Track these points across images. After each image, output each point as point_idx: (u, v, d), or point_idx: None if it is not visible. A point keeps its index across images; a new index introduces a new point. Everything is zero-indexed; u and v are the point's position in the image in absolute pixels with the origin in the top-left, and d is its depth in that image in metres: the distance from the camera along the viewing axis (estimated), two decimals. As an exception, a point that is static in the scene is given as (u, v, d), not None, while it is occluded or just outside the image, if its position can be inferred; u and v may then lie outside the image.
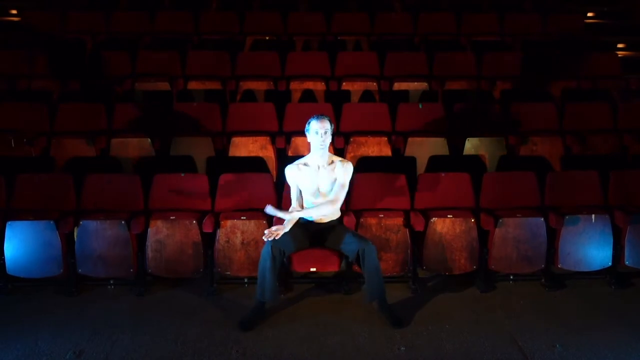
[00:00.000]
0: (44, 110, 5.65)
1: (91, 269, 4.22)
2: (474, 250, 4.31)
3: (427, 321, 3.85)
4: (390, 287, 4.19)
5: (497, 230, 4.27)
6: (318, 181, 3.94)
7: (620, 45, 7.76)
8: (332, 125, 3.98)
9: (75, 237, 4.22)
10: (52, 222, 4.15)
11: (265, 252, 3.77)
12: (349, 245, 3.84)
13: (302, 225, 3.97)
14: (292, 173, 3.99)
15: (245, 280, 4.36)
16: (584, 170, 4.73)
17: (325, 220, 4.02)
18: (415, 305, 4.06)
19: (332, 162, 3.97)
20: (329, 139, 3.93)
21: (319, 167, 3.94)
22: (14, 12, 7.92)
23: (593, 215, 4.30)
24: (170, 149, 5.24)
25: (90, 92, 6.05)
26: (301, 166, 3.99)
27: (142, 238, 4.25)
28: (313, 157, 3.98)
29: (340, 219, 4.10)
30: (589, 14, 8.40)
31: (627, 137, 5.48)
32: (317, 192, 3.95)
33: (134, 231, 4.20)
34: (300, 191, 4.02)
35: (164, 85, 6.20)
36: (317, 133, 3.87)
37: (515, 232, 4.28)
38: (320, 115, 3.96)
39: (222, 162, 4.97)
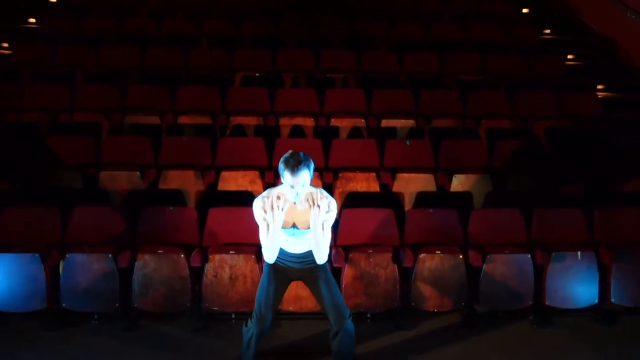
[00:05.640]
0: (33, 143, 5.63)
1: (76, 303, 4.15)
2: (462, 287, 4.31)
3: (415, 358, 3.82)
4: (378, 324, 4.16)
5: (485, 266, 4.28)
6: (294, 216, 3.24)
7: (599, 87, 7.98)
8: (313, 167, 3.16)
9: (60, 270, 4.15)
10: (37, 254, 4.09)
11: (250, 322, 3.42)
12: (327, 309, 3.40)
13: (281, 271, 3.40)
14: (261, 204, 3.20)
15: (233, 316, 4.30)
16: (569, 207, 4.80)
17: (300, 250, 3.32)
18: (403, 343, 4.03)
19: (311, 195, 3.20)
20: (307, 189, 3.17)
21: (294, 202, 3.18)
22: (6, 45, 7.95)
23: (579, 253, 4.35)
24: (160, 183, 5.23)
25: (80, 124, 6.05)
26: (273, 197, 3.19)
27: (128, 272, 4.19)
28: (287, 190, 3.16)
29: (324, 266, 3.39)
30: (569, 56, 8.67)
31: (612, 174, 5.58)
32: (293, 230, 3.27)
33: (121, 265, 4.15)
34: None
35: (154, 119, 6.21)
36: (292, 187, 3.09)
37: (503, 269, 4.30)
38: (298, 166, 3.04)
39: (211, 196, 4.96)
